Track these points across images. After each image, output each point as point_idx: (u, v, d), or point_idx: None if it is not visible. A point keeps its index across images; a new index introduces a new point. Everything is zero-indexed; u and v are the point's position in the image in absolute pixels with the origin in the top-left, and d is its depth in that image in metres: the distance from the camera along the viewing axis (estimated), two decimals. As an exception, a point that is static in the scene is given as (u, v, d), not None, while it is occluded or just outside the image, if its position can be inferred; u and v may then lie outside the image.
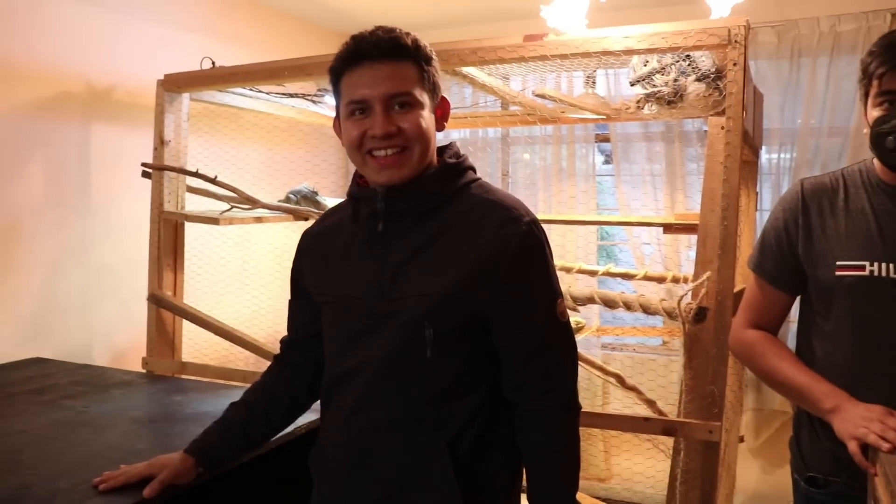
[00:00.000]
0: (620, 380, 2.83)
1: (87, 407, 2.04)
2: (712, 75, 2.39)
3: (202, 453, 1.51)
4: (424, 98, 1.33)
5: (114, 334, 3.01)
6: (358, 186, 1.41)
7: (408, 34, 1.32)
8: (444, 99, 1.40)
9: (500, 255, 1.30)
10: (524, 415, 1.37)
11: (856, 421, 1.43)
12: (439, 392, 1.32)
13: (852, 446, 1.41)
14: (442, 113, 1.40)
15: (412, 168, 1.32)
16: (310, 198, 2.86)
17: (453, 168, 1.38)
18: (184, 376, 2.61)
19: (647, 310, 2.19)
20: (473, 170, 1.43)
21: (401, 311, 1.32)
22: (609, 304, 2.27)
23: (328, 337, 1.45)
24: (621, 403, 3.62)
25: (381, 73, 1.29)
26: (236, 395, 2.12)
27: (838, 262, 1.55)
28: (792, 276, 1.64)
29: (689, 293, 2.06)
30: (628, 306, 2.22)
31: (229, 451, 1.55)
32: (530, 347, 1.34)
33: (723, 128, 2.06)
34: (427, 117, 1.33)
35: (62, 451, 1.69)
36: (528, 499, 1.38)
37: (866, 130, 1.54)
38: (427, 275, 1.31)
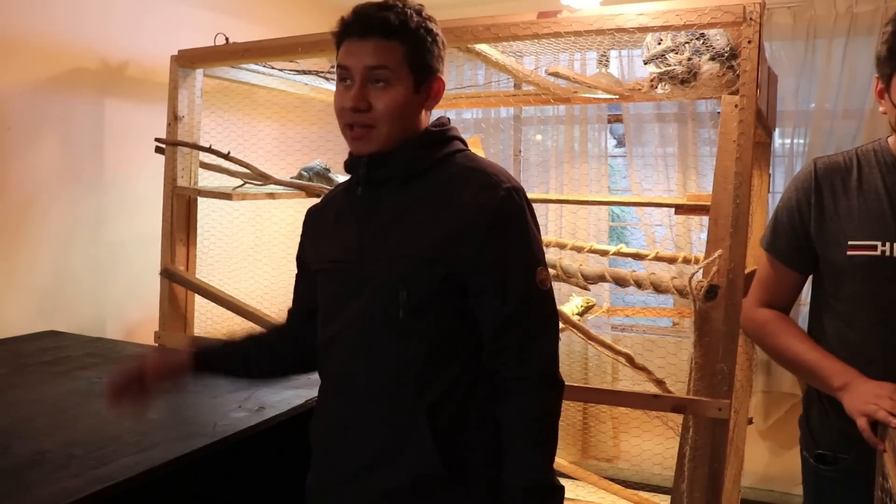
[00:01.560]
0: (630, 359, 2.83)
1: (101, 378, 2.06)
2: (726, 54, 2.38)
3: (197, 353, 1.56)
4: (405, 77, 1.34)
5: (126, 308, 3.04)
6: (350, 155, 1.44)
7: (405, 12, 1.33)
8: (438, 79, 1.39)
9: (477, 219, 1.31)
10: (500, 383, 1.35)
11: (866, 398, 1.43)
12: (416, 357, 1.33)
13: (861, 423, 1.41)
14: (434, 92, 1.39)
15: (379, 144, 1.35)
16: (322, 174, 2.87)
17: (434, 135, 1.39)
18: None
19: (658, 288, 2.19)
20: (462, 140, 1.43)
21: (376, 275, 1.34)
22: (620, 282, 2.27)
23: (319, 304, 1.48)
24: (631, 382, 3.62)
25: (365, 47, 1.32)
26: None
27: (850, 242, 1.54)
28: (804, 255, 1.63)
29: (701, 271, 2.06)
30: (639, 284, 2.22)
31: (225, 367, 1.59)
32: (507, 314, 1.33)
33: (736, 106, 2.05)
34: (404, 96, 1.34)
35: (76, 420, 1.72)
36: (502, 470, 1.36)
37: (882, 110, 1.53)
38: (403, 239, 1.34)
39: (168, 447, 1.56)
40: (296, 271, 1.61)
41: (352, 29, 1.34)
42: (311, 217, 1.56)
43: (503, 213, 1.32)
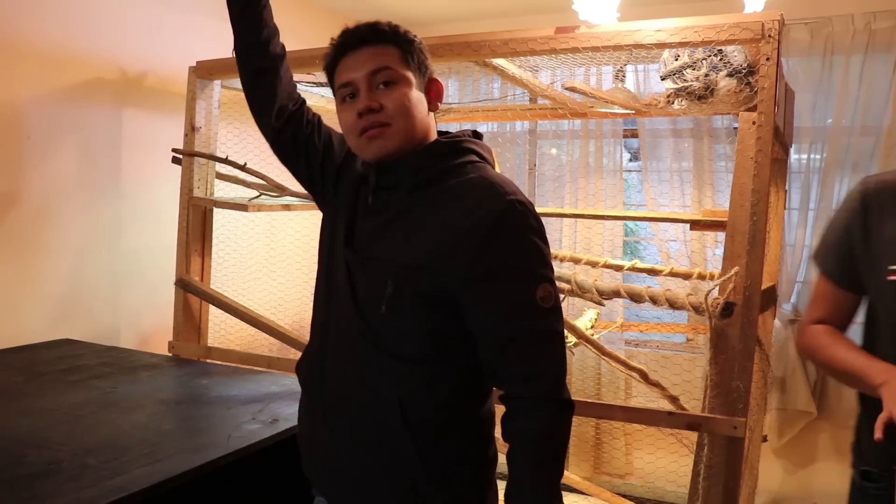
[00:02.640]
0: (643, 375, 2.82)
1: (115, 387, 2.07)
2: (744, 71, 2.37)
3: None
4: (409, 75, 1.36)
5: (141, 318, 3.05)
6: (363, 165, 1.45)
7: (390, 22, 1.38)
8: (435, 80, 1.42)
9: (476, 228, 1.28)
10: (506, 402, 1.33)
11: None
12: (391, 353, 1.33)
13: (884, 415, 1.37)
14: (435, 94, 1.42)
15: (397, 141, 1.35)
16: (337, 186, 2.87)
17: (445, 146, 1.39)
18: (209, 360, 2.63)
19: (673, 304, 2.18)
20: (476, 153, 1.41)
21: (369, 267, 1.35)
22: (635, 297, 2.26)
23: (316, 283, 1.49)
24: (645, 398, 3.61)
25: (362, 56, 1.35)
26: (261, 380, 2.16)
27: (890, 267, 1.50)
28: (854, 275, 1.59)
29: (717, 288, 2.05)
30: (654, 300, 2.21)
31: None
32: (505, 332, 1.30)
33: (754, 123, 2.04)
34: (413, 95, 1.36)
35: (90, 430, 1.72)
36: (504, 491, 1.34)
37: None
38: (402, 241, 1.34)
39: (182, 458, 1.56)
40: (313, 284, 1.61)
41: (346, 45, 1.37)
42: (350, 158, 1.54)
43: (503, 224, 1.28)
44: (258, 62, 1.58)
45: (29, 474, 1.44)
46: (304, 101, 1.61)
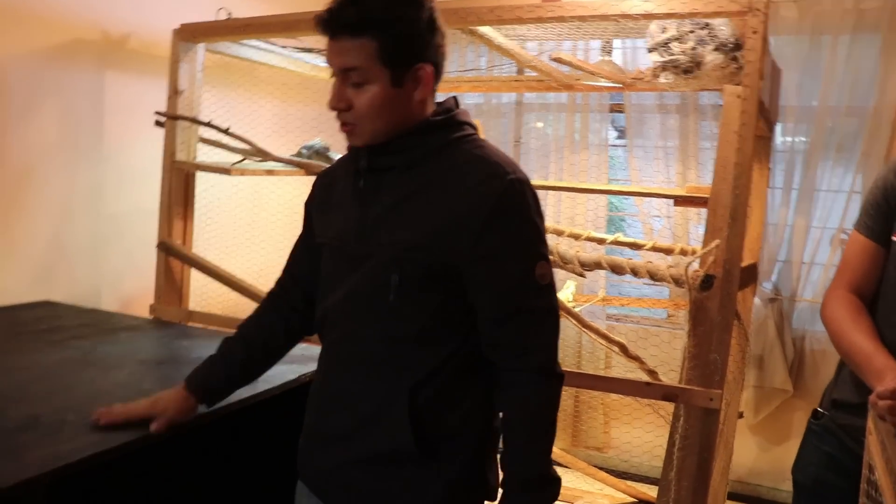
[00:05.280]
0: (623, 348, 2.84)
1: (95, 348, 2.06)
2: (730, 45, 2.38)
3: (205, 391, 1.54)
4: (380, 73, 1.30)
5: (122, 281, 3.03)
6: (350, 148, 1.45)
7: (374, 4, 1.28)
8: (422, 66, 1.33)
9: (477, 209, 1.29)
10: (500, 374, 1.37)
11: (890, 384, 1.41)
12: (402, 338, 1.35)
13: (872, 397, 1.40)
14: (424, 80, 1.34)
15: (365, 138, 1.36)
16: (322, 153, 2.86)
17: (435, 124, 1.37)
18: (190, 324, 2.63)
19: (654, 276, 2.20)
20: (471, 125, 1.42)
21: (372, 256, 1.36)
22: (616, 269, 2.27)
23: (321, 277, 1.50)
24: (624, 371, 3.64)
25: (335, 47, 1.32)
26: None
27: None
28: (889, 229, 1.64)
29: (697, 261, 2.06)
30: (635, 272, 2.23)
31: (229, 387, 1.58)
32: (504, 308, 1.33)
33: (739, 97, 2.04)
34: (381, 94, 1.31)
35: (70, 388, 1.72)
36: (500, 461, 1.39)
37: None
38: (402, 224, 1.34)
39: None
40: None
41: (322, 29, 1.33)
42: (321, 180, 1.56)
43: (504, 205, 1.30)
44: (282, 353, 1.64)
45: (8, 427, 1.44)
46: (304, 306, 1.59)
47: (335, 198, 1.48)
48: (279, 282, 1.64)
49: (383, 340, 1.36)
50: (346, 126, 1.36)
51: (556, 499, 1.37)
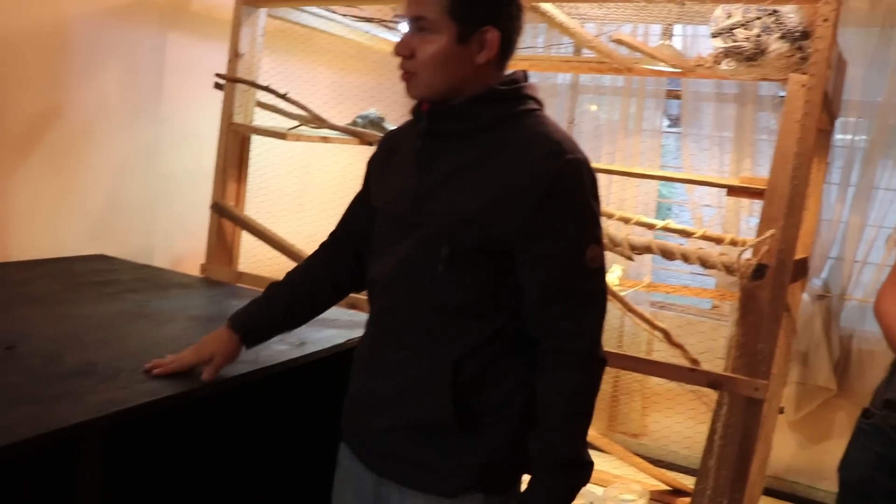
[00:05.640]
0: (667, 335, 2.83)
1: (148, 302, 2.10)
2: (797, 34, 2.33)
3: (247, 332, 1.56)
4: (447, 25, 1.31)
5: (174, 240, 3.09)
6: (413, 112, 1.46)
7: None
8: (490, 29, 1.33)
9: (533, 185, 1.28)
10: (542, 353, 1.36)
11: None
12: (449, 310, 1.35)
13: None
14: (488, 44, 1.34)
15: (421, 90, 1.37)
16: (377, 123, 2.87)
17: (500, 93, 1.37)
18: (240, 285, 2.67)
19: (705, 263, 2.18)
20: (537, 101, 1.40)
21: (423, 226, 1.36)
22: (667, 254, 2.26)
23: (374, 240, 1.50)
24: (666, 356, 3.61)
25: None
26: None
27: None
28: None
29: (750, 250, 2.04)
30: (686, 258, 2.21)
31: (270, 330, 1.61)
32: (551, 288, 1.33)
33: (804, 85, 2.01)
34: (444, 47, 1.32)
35: (124, 338, 1.76)
36: (535, 438, 1.38)
37: None
38: (456, 196, 1.33)
39: (211, 370, 1.59)
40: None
41: None
42: (385, 142, 1.57)
43: (560, 184, 1.29)
44: (326, 306, 1.66)
45: (66, 372, 1.49)
46: (353, 262, 1.61)
47: (395, 162, 1.48)
48: (332, 234, 1.66)
49: (430, 311, 1.37)
50: (406, 74, 1.37)
51: (586, 482, 1.37)
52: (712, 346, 3.45)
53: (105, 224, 2.82)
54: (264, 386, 1.76)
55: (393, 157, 1.50)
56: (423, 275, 1.36)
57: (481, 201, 1.31)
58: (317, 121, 2.73)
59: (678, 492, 3.63)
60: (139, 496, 1.91)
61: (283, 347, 1.80)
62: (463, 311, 1.35)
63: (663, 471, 3.79)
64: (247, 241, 2.96)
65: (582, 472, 1.35)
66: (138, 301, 2.10)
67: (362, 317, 1.61)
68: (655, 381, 4.02)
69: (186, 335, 1.83)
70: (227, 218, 2.82)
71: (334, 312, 1.85)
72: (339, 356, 1.84)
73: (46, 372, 1.48)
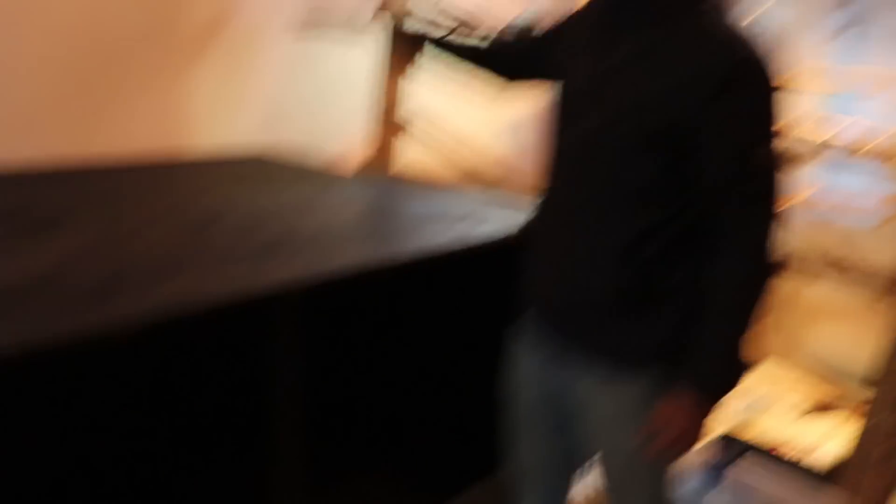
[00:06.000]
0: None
1: (317, 195, 2.15)
2: None
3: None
4: None
5: (335, 141, 3.14)
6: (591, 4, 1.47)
7: None
8: None
9: (706, 78, 1.28)
10: (713, 243, 1.36)
11: None
12: (621, 195, 1.37)
13: None
14: None
15: None
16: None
17: None
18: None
19: None
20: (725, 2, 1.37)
21: (598, 111, 1.38)
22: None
23: (550, 119, 1.52)
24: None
25: None
26: (458, 198, 2.21)
27: None
28: None
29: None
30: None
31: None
32: (721, 181, 1.32)
33: None
34: None
35: (297, 226, 1.80)
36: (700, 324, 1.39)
37: None
38: (631, 81, 1.34)
39: (393, 248, 1.69)
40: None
41: None
42: (570, 24, 1.58)
43: (739, 75, 1.28)
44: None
45: (257, 248, 1.57)
46: (533, 45, 1.67)
47: (574, 44, 1.49)
48: (518, 35, 1.72)
49: (604, 194, 1.39)
50: None
51: (736, 384, 1.38)
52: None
53: (271, 121, 2.91)
54: (435, 271, 1.77)
55: (573, 39, 1.51)
56: (596, 158, 1.39)
57: (657, 87, 1.32)
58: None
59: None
60: (333, 370, 1.78)
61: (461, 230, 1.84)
62: (635, 196, 1.37)
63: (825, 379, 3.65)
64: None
65: (735, 371, 1.38)
66: (306, 194, 2.15)
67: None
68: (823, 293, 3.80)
69: (357, 220, 1.93)
70: (388, 123, 2.84)
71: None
72: (505, 248, 1.83)
73: (244, 242, 1.60)
